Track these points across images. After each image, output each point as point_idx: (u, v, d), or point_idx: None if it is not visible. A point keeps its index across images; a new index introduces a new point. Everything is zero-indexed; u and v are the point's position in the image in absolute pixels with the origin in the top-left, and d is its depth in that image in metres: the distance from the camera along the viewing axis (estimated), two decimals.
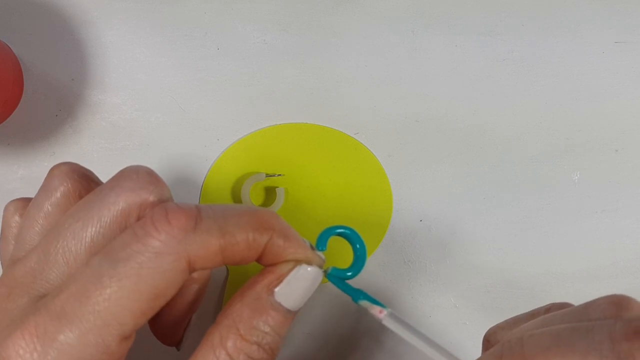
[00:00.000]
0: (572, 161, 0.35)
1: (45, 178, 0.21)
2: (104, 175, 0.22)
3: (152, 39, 0.34)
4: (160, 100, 0.34)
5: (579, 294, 0.34)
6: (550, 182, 0.35)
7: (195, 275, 0.22)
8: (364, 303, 0.21)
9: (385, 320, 0.21)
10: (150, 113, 0.34)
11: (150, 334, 0.23)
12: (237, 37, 0.34)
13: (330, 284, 0.22)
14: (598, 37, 0.36)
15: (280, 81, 0.34)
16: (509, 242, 0.34)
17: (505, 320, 0.23)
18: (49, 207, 0.20)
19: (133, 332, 0.17)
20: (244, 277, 0.32)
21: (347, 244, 0.22)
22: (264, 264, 0.20)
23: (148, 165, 0.20)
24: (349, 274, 0.22)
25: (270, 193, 0.33)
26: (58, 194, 0.20)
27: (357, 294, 0.21)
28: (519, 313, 0.24)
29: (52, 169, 0.21)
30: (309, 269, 0.20)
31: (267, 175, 0.32)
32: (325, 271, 0.21)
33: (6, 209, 0.22)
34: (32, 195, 0.22)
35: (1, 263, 0.21)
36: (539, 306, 0.23)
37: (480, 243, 0.34)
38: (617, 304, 0.18)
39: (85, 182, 0.21)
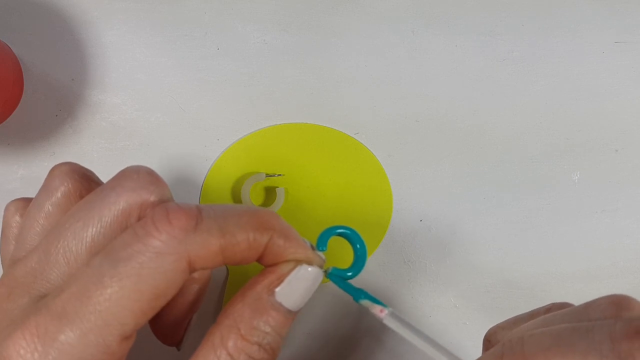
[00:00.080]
0: (572, 161, 0.35)
1: (46, 178, 0.21)
2: (104, 175, 0.22)
3: (152, 39, 0.34)
4: (160, 100, 0.34)
5: (579, 294, 0.34)
6: (550, 182, 0.35)
7: (195, 275, 0.22)
8: (365, 302, 0.21)
9: (386, 320, 0.21)
10: (150, 113, 0.34)
11: (150, 334, 0.23)
12: (237, 37, 0.34)
13: (330, 284, 0.22)
14: (598, 37, 0.36)
15: (280, 81, 0.34)
16: (509, 242, 0.34)
17: (506, 320, 0.23)
18: (50, 207, 0.20)
19: (134, 332, 0.17)
20: (244, 277, 0.32)
21: (347, 244, 0.23)
22: (265, 264, 0.20)
23: (148, 165, 0.20)
24: (349, 274, 0.22)
25: (270, 193, 0.33)
26: (59, 194, 0.20)
27: (358, 293, 0.21)
28: (519, 313, 0.24)
29: (52, 169, 0.21)
30: (309, 269, 0.20)
31: (267, 175, 0.33)
32: (325, 271, 0.21)
33: (7, 209, 0.22)
34: (32, 195, 0.22)
35: (2, 263, 0.21)
36: (539, 306, 0.23)
37: (480, 243, 0.34)
38: (617, 303, 0.18)
39: (85, 182, 0.21)
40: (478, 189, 0.34)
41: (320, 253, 0.21)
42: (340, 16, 0.35)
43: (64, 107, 0.33)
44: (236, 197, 0.33)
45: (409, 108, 0.35)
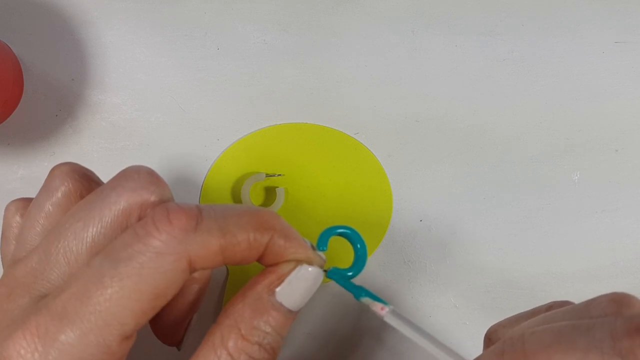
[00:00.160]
0: (572, 161, 0.35)
1: (46, 178, 0.21)
2: (104, 175, 0.22)
3: (152, 39, 0.34)
4: (160, 100, 0.34)
5: (579, 294, 0.34)
6: (550, 182, 0.35)
7: (196, 275, 0.22)
8: (366, 300, 0.21)
9: (387, 317, 0.21)
10: (150, 113, 0.34)
11: (151, 334, 0.23)
12: (237, 37, 0.34)
13: (330, 284, 0.22)
14: (598, 37, 0.36)
15: (280, 81, 0.34)
16: (509, 242, 0.34)
17: (507, 318, 0.23)
18: (50, 207, 0.20)
19: (134, 332, 0.17)
20: (245, 277, 0.32)
21: (347, 244, 0.23)
22: (265, 264, 0.20)
23: (148, 165, 0.20)
24: (350, 274, 0.22)
25: (270, 193, 0.33)
26: (59, 194, 0.20)
27: (359, 291, 0.21)
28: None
29: (52, 169, 0.21)
30: (310, 269, 0.20)
31: (267, 175, 0.32)
32: (326, 271, 0.21)
33: (7, 209, 0.22)
34: (32, 195, 0.22)
35: (2, 263, 0.21)
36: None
37: (480, 243, 0.34)
38: (617, 301, 0.18)
39: (86, 182, 0.21)
40: (478, 189, 0.34)
41: (320, 253, 0.21)
42: (340, 16, 0.35)
43: (64, 107, 0.33)
44: (236, 197, 0.33)
45: (409, 108, 0.35)
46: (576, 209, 0.35)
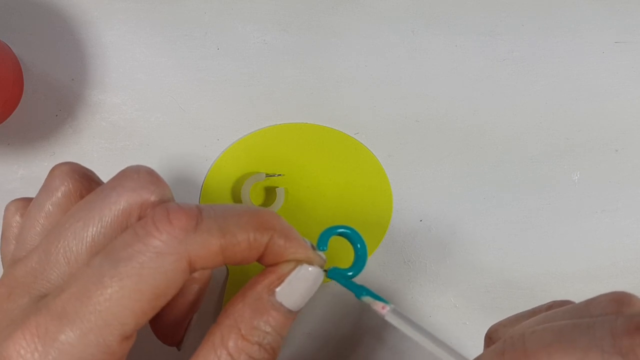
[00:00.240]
0: (572, 161, 0.35)
1: (46, 178, 0.21)
2: (104, 175, 0.22)
3: (152, 39, 0.34)
4: (160, 100, 0.34)
5: (579, 294, 0.34)
6: (550, 182, 0.35)
7: (196, 275, 0.22)
8: (367, 299, 0.21)
9: (388, 316, 0.21)
10: (150, 113, 0.34)
11: (151, 334, 0.23)
12: (237, 37, 0.34)
13: (331, 284, 0.22)
14: (598, 37, 0.36)
15: (280, 81, 0.34)
16: (509, 242, 0.34)
17: (507, 318, 0.23)
18: (50, 207, 0.20)
19: (134, 331, 0.17)
20: (245, 277, 0.32)
21: (348, 243, 0.22)
22: (265, 264, 0.20)
23: (148, 165, 0.20)
24: (350, 273, 0.22)
25: (270, 193, 0.33)
26: (59, 194, 0.20)
27: (360, 290, 0.21)
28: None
29: (52, 169, 0.21)
30: (310, 269, 0.20)
31: (267, 175, 0.32)
32: (326, 271, 0.21)
33: (7, 209, 0.22)
34: (32, 195, 0.22)
35: (2, 263, 0.21)
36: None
37: (480, 243, 0.34)
38: (618, 300, 0.18)
39: (86, 181, 0.21)
40: (478, 189, 0.34)
41: (320, 253, 0.21)
42: (340, 16, 0.35)
43: (64, 107, 0.33)
44: (236, 197, 0.33)
45: (409, 108, 0.35)
46: (576, 209, 0.35)
